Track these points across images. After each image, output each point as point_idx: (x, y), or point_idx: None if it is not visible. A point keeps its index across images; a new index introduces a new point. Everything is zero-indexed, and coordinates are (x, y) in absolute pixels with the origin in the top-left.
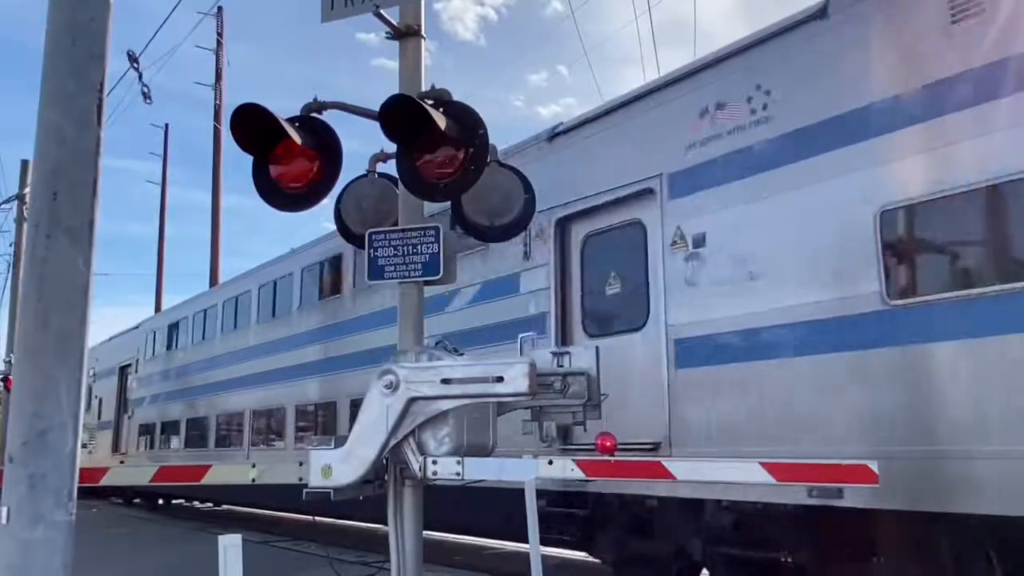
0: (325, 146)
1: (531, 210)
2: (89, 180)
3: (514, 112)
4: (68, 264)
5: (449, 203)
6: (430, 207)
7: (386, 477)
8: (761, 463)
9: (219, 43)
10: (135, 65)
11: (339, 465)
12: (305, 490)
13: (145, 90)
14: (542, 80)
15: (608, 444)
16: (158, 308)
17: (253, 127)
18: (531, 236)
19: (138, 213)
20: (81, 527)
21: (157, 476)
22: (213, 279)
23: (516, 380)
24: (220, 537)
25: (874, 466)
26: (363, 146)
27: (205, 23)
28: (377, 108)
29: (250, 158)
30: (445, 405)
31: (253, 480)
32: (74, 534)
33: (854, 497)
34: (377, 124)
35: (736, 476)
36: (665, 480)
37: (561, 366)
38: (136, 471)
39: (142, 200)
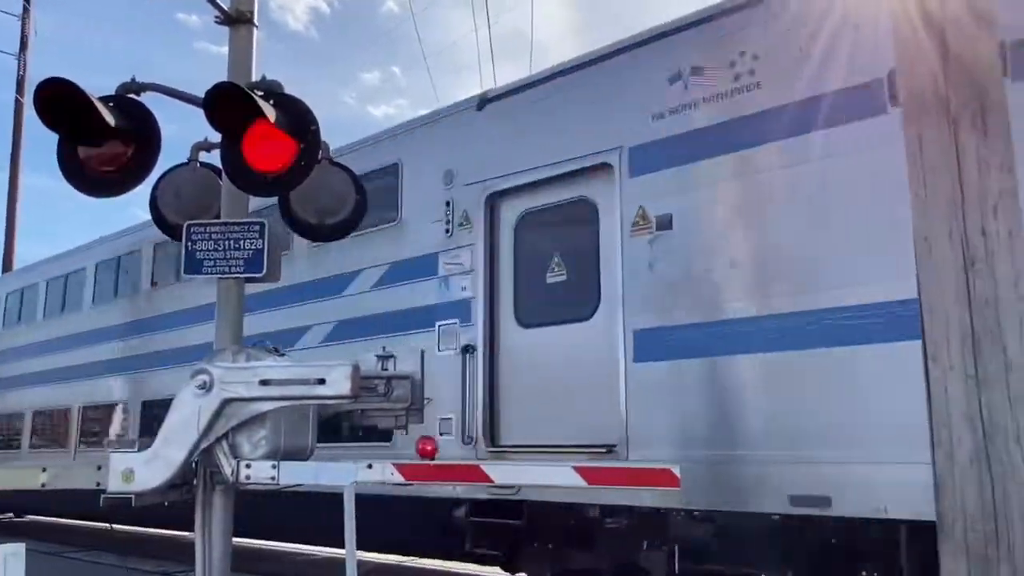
0: (141, 129)
1: (362, 211)
2: None
3: (345, 109)
4: None
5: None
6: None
7: (195, 481)
8: (574, 467)
9: (25, 8)
10: None
11: (142, 468)
12: (103, 496)
13: None
14: (375, 79)
15: (429, 448)
16: None
17: (60, 103)
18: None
19: None
20: None
21: None
22: (7, 265)
23: (338, 383)
24: (0, 547)
25: (676, 470)
26: (184, 132)
27: None
28: (201, 93)
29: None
30: (263, 407)
31: (43, 485)
32: None
33: None
34: (200, 110)
35: (550, 479)
36: (483, 483)
37: (386, 369)
38: None
39: None
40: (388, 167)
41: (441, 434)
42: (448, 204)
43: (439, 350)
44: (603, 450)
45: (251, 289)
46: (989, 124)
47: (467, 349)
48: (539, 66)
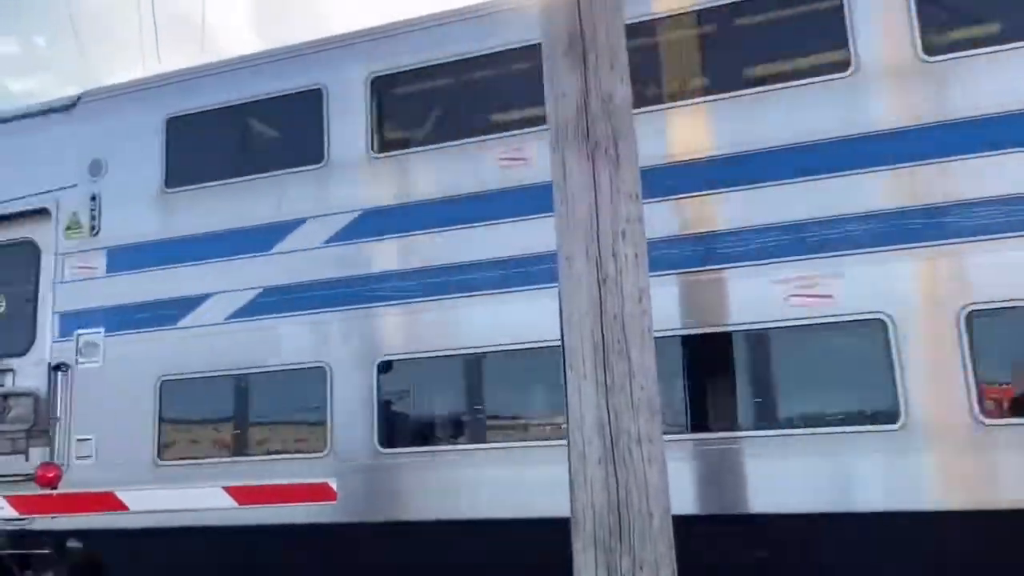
0: None
1: None
2: None
3: None
4: None
5: None
6: None
7: None
8: (224, 488)
9: None
10: None
11: None
12: None
13: None
14: (13, 49)
15: (50, 475)
16: None
17: None
18: None
19: None
20: None
21: None
22: None
23: None
24: None
25: (333, 484)
26: None
27: None
28: None
29: None
30: None
31: None
32: None
33: None
34: None
35: (199, 502)
36: (118, 512)
37: (2, 385)
38: None
39: None
40: None
41: None
42: None
43: None
44: None
45: None
46: (621, 156)
47: None
48: (211, 55)
